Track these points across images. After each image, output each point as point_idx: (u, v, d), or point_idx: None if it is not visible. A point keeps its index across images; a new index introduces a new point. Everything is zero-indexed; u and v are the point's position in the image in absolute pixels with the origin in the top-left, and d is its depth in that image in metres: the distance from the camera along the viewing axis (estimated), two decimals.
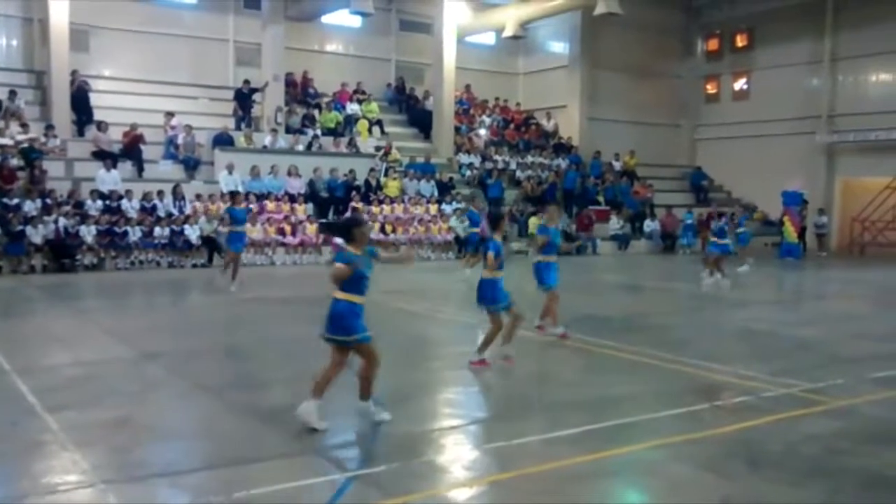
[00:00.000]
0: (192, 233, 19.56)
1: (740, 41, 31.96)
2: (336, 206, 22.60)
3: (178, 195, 20.38)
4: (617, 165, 30.17)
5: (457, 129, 28.45)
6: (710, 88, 33.31)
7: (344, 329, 6.42)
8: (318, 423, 6.40)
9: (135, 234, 18.86)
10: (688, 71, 33.33)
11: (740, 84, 32.22)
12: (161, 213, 19.78)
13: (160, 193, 20.22)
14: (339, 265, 6.37)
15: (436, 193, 24.75)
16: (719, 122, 32.31)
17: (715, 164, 32.30)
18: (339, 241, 7.06)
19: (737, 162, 30.91)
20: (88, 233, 18.35)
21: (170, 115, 22.95)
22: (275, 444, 6.21)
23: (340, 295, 6.44)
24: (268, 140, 23.47)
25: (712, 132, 32.69)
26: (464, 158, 27.54)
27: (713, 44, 33.12)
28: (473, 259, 16.60)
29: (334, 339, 6.49)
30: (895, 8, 26.35)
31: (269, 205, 21.54)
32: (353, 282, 6.43)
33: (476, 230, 18.90)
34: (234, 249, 15.56)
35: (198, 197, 20.63)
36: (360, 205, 22.34)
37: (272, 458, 5.87)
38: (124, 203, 19.61)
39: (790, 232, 25.84)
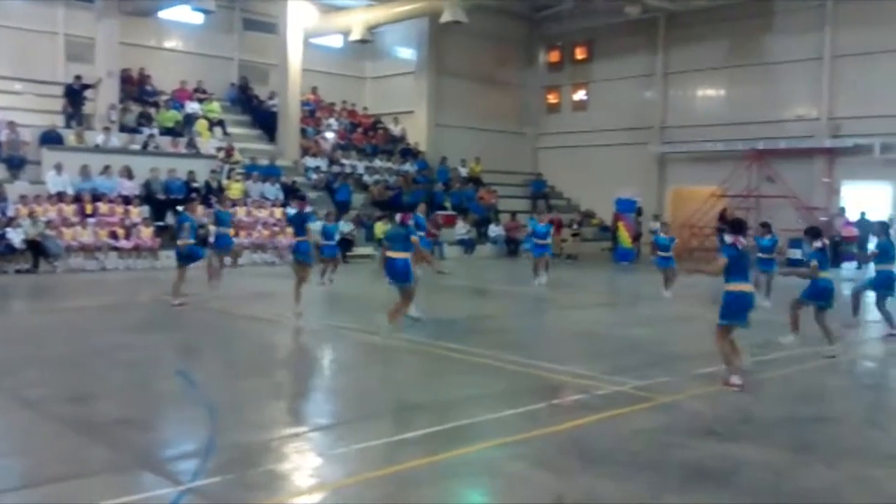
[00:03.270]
0: (16, 236, 18.27)
1: (580, 54, 33.14)
2: (174, 208, 21.73)
3: (0, 196, 19.01)
4: (463, 171, 30.69)
5: (303, 132, 28.04)
6: (552, 98, 34.37)
7: (405, 277, 10.75)
8: (417, 314, 11.73)
9: None
10: (530, 80, 34.25)
11: (579, 95, 33.42)
12: None
13: None
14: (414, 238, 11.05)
15: (281, 197, 24.28)
16: (560, 131, 33.40)
17: (556, 172, 33.41)
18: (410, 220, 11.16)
19: (576, 170, 32.03)
20: None
21: None
22: (101, 458, 5.89)
23: (396, 255, 10.73)
24: (100, 139, 22.27)
25: (553, 141, 33.80)
26: (310, 162, 27.17)
27: (554, 55, 34.22)
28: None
29: (399, 285, 10.83)
30: (719, 27, 28.21)
31: (102, 206, 20.45)
32: (408, 245, 10.81)
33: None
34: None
35: (22, 198, 19.31)
36: (200, 207, 21.57)
37: (98, 473, 5.56)
38: None
39: (625, 237, 27.14)
